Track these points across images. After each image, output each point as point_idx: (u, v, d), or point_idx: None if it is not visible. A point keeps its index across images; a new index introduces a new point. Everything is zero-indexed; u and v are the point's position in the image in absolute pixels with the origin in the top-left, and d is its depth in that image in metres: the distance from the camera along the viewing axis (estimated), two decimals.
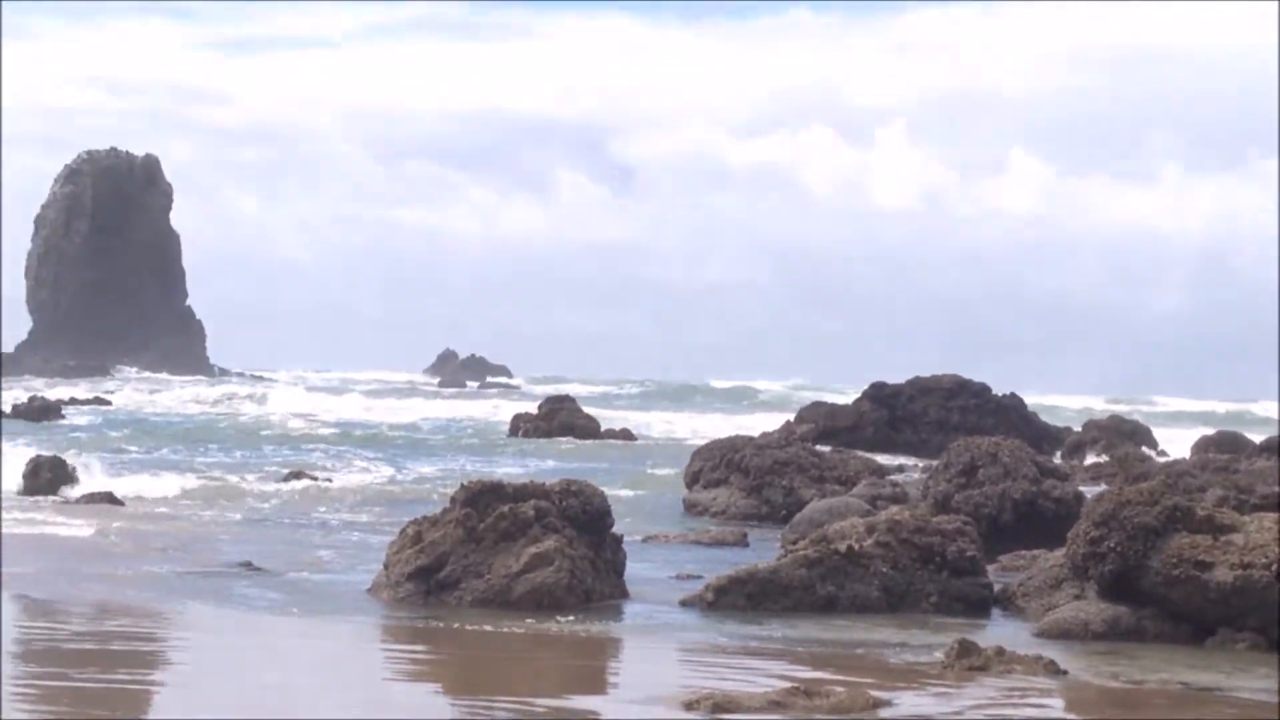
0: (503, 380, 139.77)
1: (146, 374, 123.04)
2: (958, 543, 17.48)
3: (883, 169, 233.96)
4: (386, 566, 17.55)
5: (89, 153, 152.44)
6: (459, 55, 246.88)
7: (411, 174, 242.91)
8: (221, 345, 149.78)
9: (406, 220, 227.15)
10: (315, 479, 30.77)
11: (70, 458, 30.43)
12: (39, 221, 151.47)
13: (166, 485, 29.31)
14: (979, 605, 17.22)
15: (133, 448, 39.46)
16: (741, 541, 23.27)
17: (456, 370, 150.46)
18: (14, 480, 28.23)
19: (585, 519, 17.70)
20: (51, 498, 26.99)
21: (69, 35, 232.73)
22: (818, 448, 31.33)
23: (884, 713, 11.94)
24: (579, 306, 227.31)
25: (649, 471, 34.86)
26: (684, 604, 17.18)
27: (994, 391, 39.80)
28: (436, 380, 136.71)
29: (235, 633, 15.52)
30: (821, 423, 38.40)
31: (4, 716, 10.32)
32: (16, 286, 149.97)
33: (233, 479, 30.95)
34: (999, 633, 15.71)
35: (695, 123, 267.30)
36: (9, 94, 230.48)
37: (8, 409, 53.80)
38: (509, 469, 34.09)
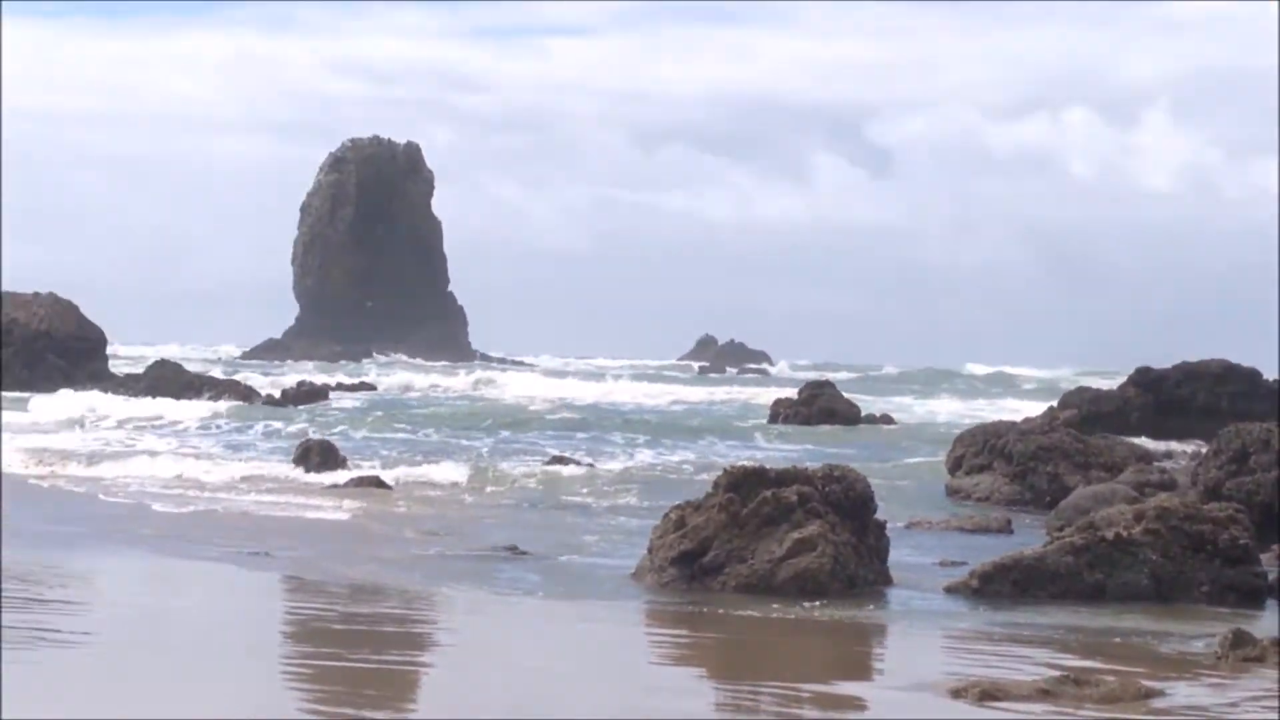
0: (761, 366, 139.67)
1: (411, 360, 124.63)
2: (1230, 531, 17.12)
3: (1146, 150, 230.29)
4: (650, 551, 17.63)
5: (353, 141, 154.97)
6: (716, 40, 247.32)
7: (669, 158, 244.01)
8: (482, 331, 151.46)
9: (665, 205, 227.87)
10: (577, 463, 31.01)
11: (337, 441, 31.11)
12: (304, 209, 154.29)
13: (431, 470, 29.75)
14: (1252, 595, 16.84)
15: (398, 433, 40.07)
16: (1005, 528, 23.02)
17: (715, 356, 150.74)
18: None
19: (848, 505, 17.63)
20: (320, 480, 27.52)
21: (332, 24, 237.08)
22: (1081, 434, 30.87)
23: (1156, 703, 11.73)
24: (837, 291, 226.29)
25: (910, 457, 34.63)
26: (948, 591, 17.05)
27: (1264, 377, 38.88)
28: (696, 366, 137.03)
29: (501, 616, 15.71)
30: (1085, 408, 37.74)
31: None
32: (284, 274, 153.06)
33: (496, 463, 31.27)
34: (1274, 624, 15.35)
35: (954, 105, 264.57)
36: (277, 81, 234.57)
37: (278, 394, 55.11)
38: (770, 454, 34.02)
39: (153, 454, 32.15)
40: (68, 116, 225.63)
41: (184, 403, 49.99)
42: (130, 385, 56.38)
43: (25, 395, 50.16)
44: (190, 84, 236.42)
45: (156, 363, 60.58)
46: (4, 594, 15.57)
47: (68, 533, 20.70)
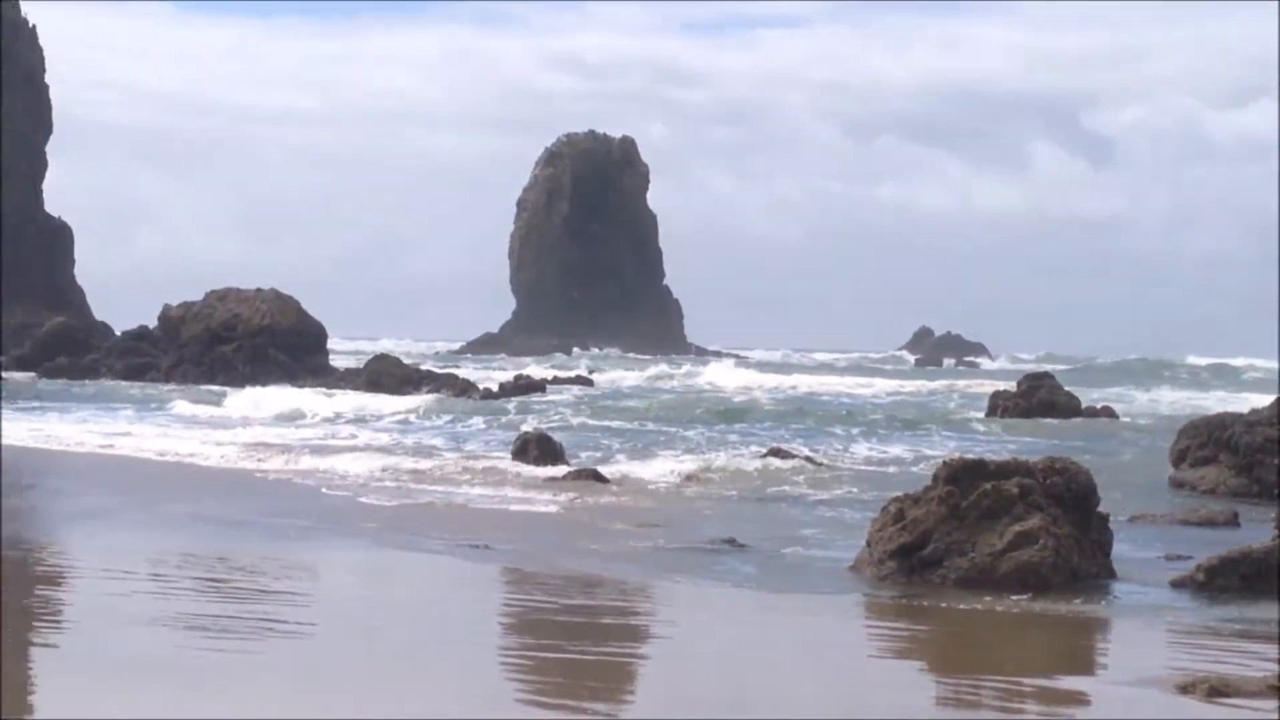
0: (977, 359, 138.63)
1: (625, 354, 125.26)
2: None
3: None
4: (868, 544, 17.55)
5: (568, 136, 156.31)
6: (928, 30, 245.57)
7: (883, 150, 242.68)
8: (698, 324, 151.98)
9: (879, 197, 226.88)
10: (794, 455, 30.94)
11: (555, 434, 31.31)
12: (520, 204, 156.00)
13: (648, 462, 29.88)
14: None
15: (614, 425, 40.30)
16: (1232, 521, 22.58)
17: (932, 347, 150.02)
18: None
19: (1069, 497, 17.41)
20: (538, 474, 27.69)
21: (548, 21, 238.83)
22: None
23: None
24: (1054, 281, 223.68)
25: (1131, 450, 34.16)
26: (1174, 585, 16.74)
27: None
28: (912, 358, 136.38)
29: (719, 608, 15.70)
30: None
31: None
32: (500, 269, 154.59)
33: (713, 456, 31.27)
34: None
35: (1170, 92, 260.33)
36: (493, 77, 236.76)
37: (495, 387, 55.65)
38: (989, 447, 33.70)
39: (370, 447, 32.63)
40: (288, 116, 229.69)
41: (402, 397, 50.69)
42: (350, 379, 57.29)
43: (222, 389, 51.18)
44: (407, 81, 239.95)
45: (375, 357, 61.59)
46: (232, 585, 15.92)
47: (290, 525, 21.03)
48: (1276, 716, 11.06)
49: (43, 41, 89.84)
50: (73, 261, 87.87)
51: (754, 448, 33.23)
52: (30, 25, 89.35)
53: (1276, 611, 15.29)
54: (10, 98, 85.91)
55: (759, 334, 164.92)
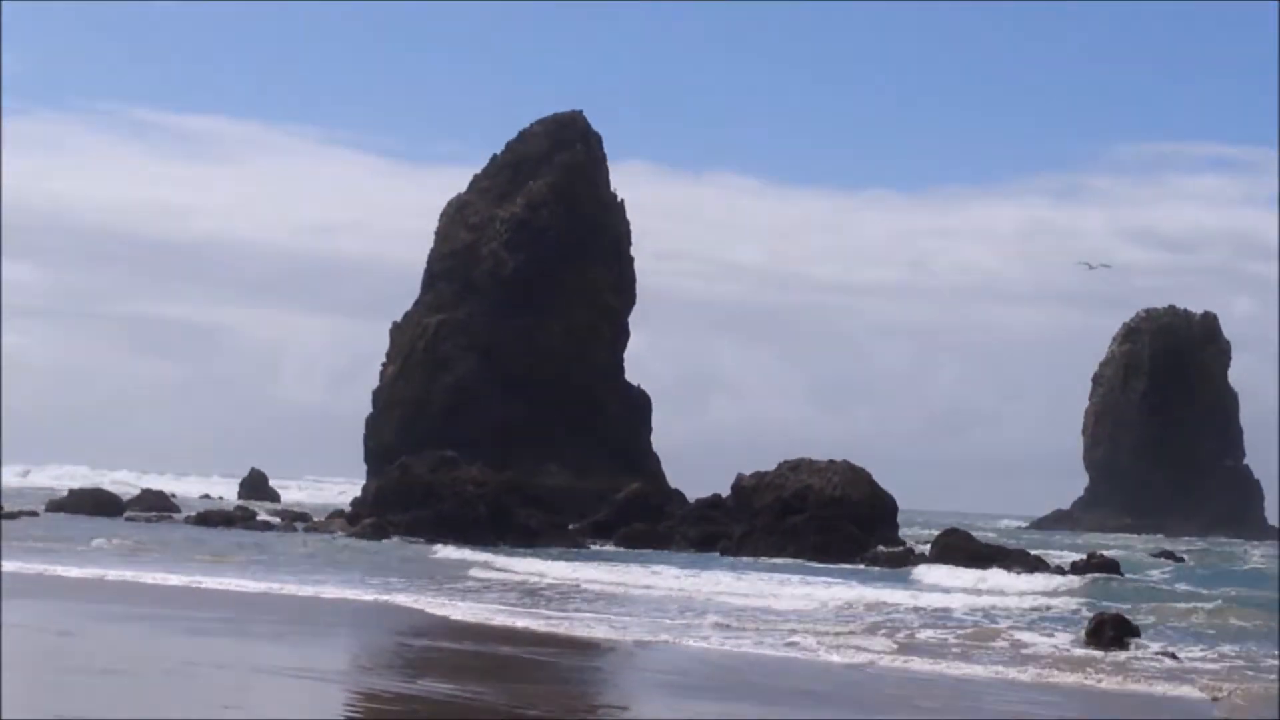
0: None
1: (1206, 536, 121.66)
2: None
3: None
4: None
5: (1147, 310, 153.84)
6: None
7: None
8: None
9: None
10: None
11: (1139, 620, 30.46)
12: (1096, 379, 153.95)
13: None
14: None
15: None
16: None
17: None
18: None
19: None
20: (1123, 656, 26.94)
21: (1126, 193, 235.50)
22: None
23: None
24: None
25: None
26: None
27: None
28: None
29: None
30: None
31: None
32: (1073, 445, 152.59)
33: None
34: None
35: None
36: (1069, 250, 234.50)
37: (1067, 560, 54.52)
38: None
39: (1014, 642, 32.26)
40: (870, 288, 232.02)
41: (977, 572, 50.26)
42: (914, 558, 57.05)
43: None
44: (984, 254, 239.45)
45: (946, 531, 61.15)
46: None
47: (832, 695, 21.02)
48: None
49: (630, 214, 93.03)
50: (650, 429, 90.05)
51: None
52: (619, 199, 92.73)
53: None
54: (594, 271, 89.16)
55: None
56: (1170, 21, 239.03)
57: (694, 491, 75.68)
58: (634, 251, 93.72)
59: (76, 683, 18.59)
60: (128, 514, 74.44)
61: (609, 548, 62.58)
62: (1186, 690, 22.74)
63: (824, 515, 61.98)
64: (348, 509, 71.31)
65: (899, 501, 65.78)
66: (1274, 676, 25.32)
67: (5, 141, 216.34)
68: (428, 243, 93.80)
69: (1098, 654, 27.21)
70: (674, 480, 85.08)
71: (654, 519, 69.44)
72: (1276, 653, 28.41)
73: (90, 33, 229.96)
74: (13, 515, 66.95)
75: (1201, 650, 28.48)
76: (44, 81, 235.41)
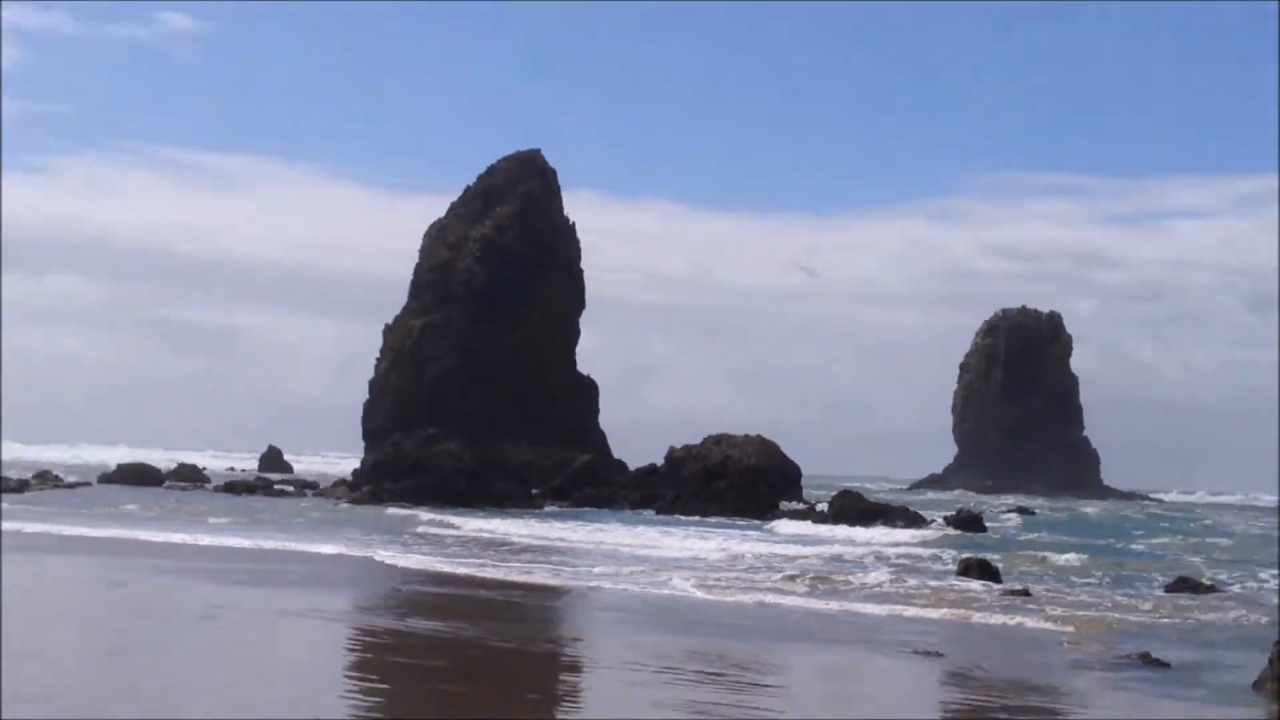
0: None
1: (1045, 496, 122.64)
2: None
3: None
4: (1271, 663, 16.64)
5: (1003, 311, 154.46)
6: None
7: None
8: (1115, 470, 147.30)
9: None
10: (1206, 587, 29.52)
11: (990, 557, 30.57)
12: (963, 368, 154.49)
13: (1070, 583, 28.86)
14: None
15: (1044, 553, 38.82)
16: None
17: None
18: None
19: None
20: (975, 589, 27.03)
21: (987, 214, 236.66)
22: None
23: None
24: None
25: None
26: None
27: None
28: None
29: (1130, 710, 15.03)
30: None
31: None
32: (944, 422, 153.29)
33: (1130, 577, 30.05)
34: None
35: None
36: (940, 261, 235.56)
37: (939, 516, 54.78)
38: None
39: (862, 568, 32.37)
40: (780, 294, 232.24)
41: (863, 528, 50.52)
42: (815, 515, 57.14)
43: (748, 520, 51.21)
44: (872, 266, 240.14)
45: (841, 492, 61.26)
46: (725, 677, 15.94)
47: (768, 630, 21.04)
48: None
49: (579, 234, 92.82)
50: (597, 411, 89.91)
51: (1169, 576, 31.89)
52: (570, 222, 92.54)
53: None
54: (551, 281, 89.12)
55: (1172, 479, 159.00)
56: (1025, 65, 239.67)
57: (634, 462, 75.83)
58: (583, 264, 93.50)
59: (131, 624, 18.50)
60: (166, 484, 73.93)
61: (564, 509, 62.42)
62: (1039, 622, 22.88)
63: (741, 481, 62.04)
64: (349, 479, 70.85)
65: (803, 469, 65.82)
66: (1108, 606, 25.55)
67: (59, 177, 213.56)
68: (413, 259, 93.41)
69: (966, 591, 27.36)
70: (617, 453, 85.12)
71: (601, 485, 69.37)
72: (1111, 591, 28.64)
73: (127, 80, 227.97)
74: (70, 485, 66.63)
75: (1049, 588, 28.67)
76: (90, 125, 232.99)
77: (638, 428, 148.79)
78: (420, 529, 43.45)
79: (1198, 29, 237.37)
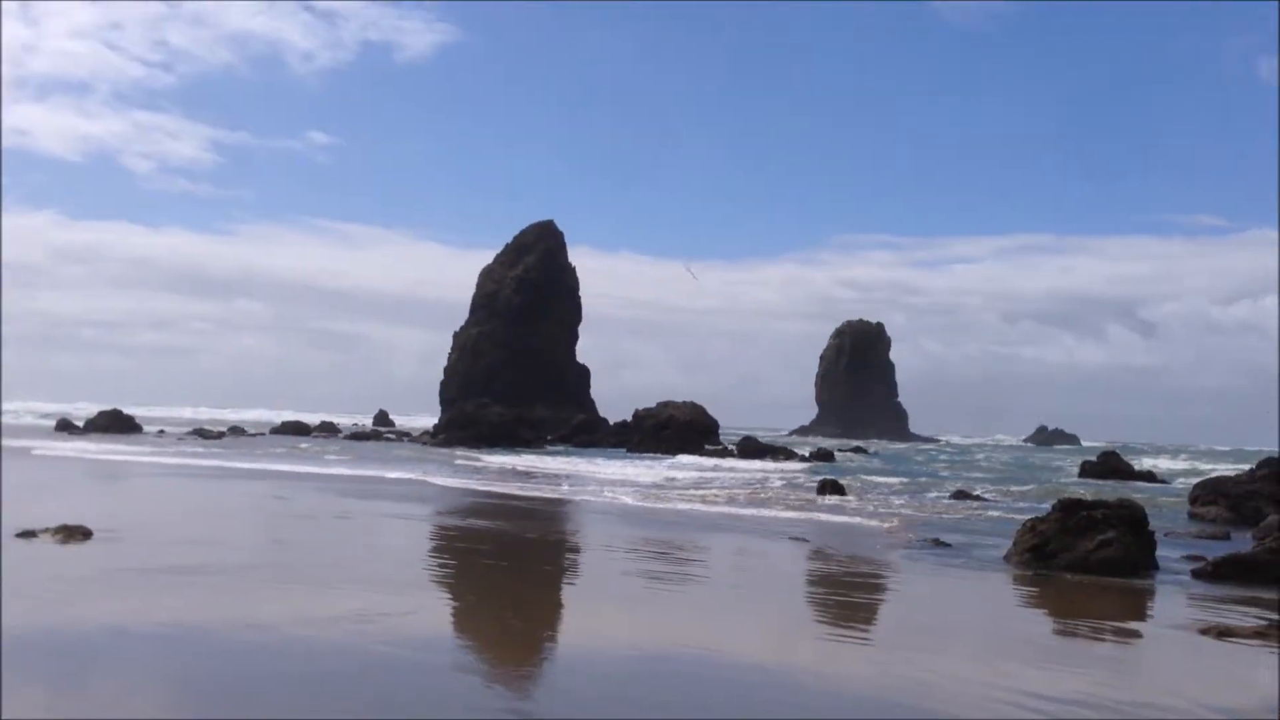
0: (1075, 444, 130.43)
1: (876, 440, 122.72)
2: None
3: None
4: (1014, 543, 16.71)
5: (848, 322, 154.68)
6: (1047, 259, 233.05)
7: (1023, 329, 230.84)
8: (918, 422, 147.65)
9: (1024, 355, 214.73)
10: (980, 498, 29.40)
11: (842, 479, 30.21)
12: (822, 359, 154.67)
13: (885, 487, 28.62)
14: None
15: (873, 475, 38.82)
16: (1226, 537, 20.87)
17: (1045, 436, 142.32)
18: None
19: (1131, 521, 16.31)
20: (827, 501, 26.90)
21: (841, 260, 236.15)
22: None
23: None
24: None
25: (1167, 495, 31.81)
26: (1194, 574, 15.53)
27: None
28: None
29: (928, 576, 15.04)
30: (1275, 467, 33.91)
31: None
32: (809, 393, 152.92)
33: (928, 488, 29.71)
34: None
35: None
36: (809, 290, 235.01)
37: (807, 453, 54.66)
38: (1083, 490, 31.58)
39: (728, 490, 32.14)
40: (708, 312, 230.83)
41: (759, 461, 50.28)
42: (727, 453, 57.02)
43: (668, 456, 50.70)
44: (768, 294, 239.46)
45: (744, 438, 61.22)
46: (669, 555, 15.85)
47: (695, 525, 20.95)
48: (1267, 648, 10.10)
49: (580, 275, 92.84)
50: (589, 386, 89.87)
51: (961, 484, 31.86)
52: (573, 266, 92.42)
53: (1257, 590, 14.06)
54: (560, 304, 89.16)
55: (958, 425, 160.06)
56: (859, 160, 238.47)
57: (614, 418, 75.53)
58: (581, 294, 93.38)
59: (289, 522, 18.34)
60: (313, 434, 73.36)
61: (569, 449, 62.22)
62: (868, 520, 22.89)
63: (681, 430, 61.94)
64: (430, 430, 70.29)
65: (720, 423, 65.73)
66: (913, 509, 25.56)
67: (246, 239, 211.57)
68: (471, 290, 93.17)
69: (823, 501, 27.39)
70: (603, 413, 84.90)
71: (593, 433, 69.22)
72: (914, 499, 28.59)
73: (288, 175, 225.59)
74: (250, 434, 66.02)
75: (875, 497, 28.69)
76: (265, 205, 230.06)
77: (617, 397, 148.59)
78: (478, 464, 43.21)
79: (984, 127, 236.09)
